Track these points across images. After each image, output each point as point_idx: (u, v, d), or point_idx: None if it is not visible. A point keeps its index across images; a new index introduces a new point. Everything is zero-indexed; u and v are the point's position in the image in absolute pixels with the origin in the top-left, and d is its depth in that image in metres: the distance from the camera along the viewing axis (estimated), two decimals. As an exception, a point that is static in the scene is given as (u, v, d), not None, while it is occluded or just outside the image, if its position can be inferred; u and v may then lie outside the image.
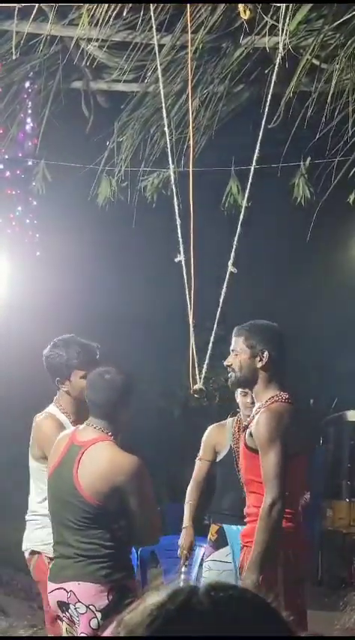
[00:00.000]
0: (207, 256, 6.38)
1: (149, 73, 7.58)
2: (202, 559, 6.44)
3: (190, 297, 5.87)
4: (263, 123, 5.99)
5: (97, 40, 7.41)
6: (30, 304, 9.98)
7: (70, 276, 12.88)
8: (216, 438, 6.07)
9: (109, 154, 8.44)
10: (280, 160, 8.11)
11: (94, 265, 14.19)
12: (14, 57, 7.01)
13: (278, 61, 6.16)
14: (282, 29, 6.14)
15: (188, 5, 6.54)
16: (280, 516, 4.35)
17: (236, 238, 6.00)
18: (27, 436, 5.06)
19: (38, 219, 9.94)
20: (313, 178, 8.22)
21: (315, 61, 7.09)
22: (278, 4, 6.26)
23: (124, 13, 6.86)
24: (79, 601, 4.19)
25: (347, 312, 14.41)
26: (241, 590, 1.11)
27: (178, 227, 5.93)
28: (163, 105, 6.34)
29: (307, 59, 6.92)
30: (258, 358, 4.60)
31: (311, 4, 6.52)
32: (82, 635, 4.19)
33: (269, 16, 6.47)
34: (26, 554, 4.95)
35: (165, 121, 6.34)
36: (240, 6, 6.15)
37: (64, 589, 4.25)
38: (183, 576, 6.24)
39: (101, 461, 4.22)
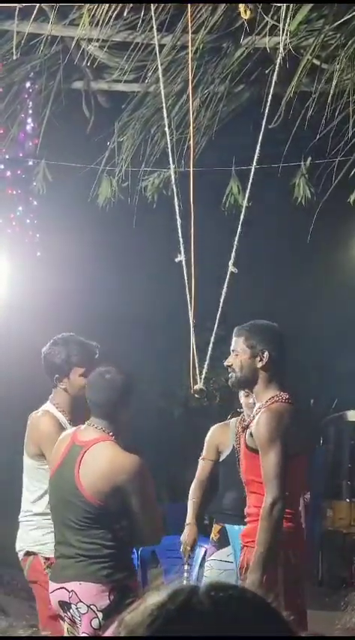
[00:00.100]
0: (208, 256, 6.37)
1: (150, 73, 7.59)
2: (204, 559, 6.45)
3: (191, 297, 5.87)
4: (263, 123, 5.99)
5: (98, 40, 7.42)
6: (30, 304, 9.98)
7: (70, 276, 12.87)
8: (219, 437, 6.08)
9: (110, 154, 8.45)
10: (281, 160, 8.12)
11: (95, 265, 14.19)
12: (15, 57, 7.02)
13: (278, 61, 6.16)
14: (283, 29, 6.14)
15: (189, 5, 6.54)
16: (281, 516, 4.36)
17: (236, 238, 6.00)
18: (26, 436, 5.05)
19: (39, 219, 9.95)
20: (313, 178, 8.22)
21: (316, 61, 7.09)
22: (279, 5, 6.26)
23: (125, 13, 6.86)
24: (81, 601, 4.20)
25: (348, 312, 14.40)
26: (241, 590, 1.11)
27: (179, 227, 5.93)
28: (164, 105, 6.34)
29: (308, 59, 6.92)
30: (258, 358, 4.60)
31: (311, 5, 6.52)
32: (84, 635, 4.20)
33: (269, 16, 6.47)
34: (20, 555, 4.95)
35: (166, 121, 6.35)
36: (241, 6, 6.15)
37: (66, 589, 4.25)
38: (185, 574, 6.26)
39: (102, 461, 4.23)
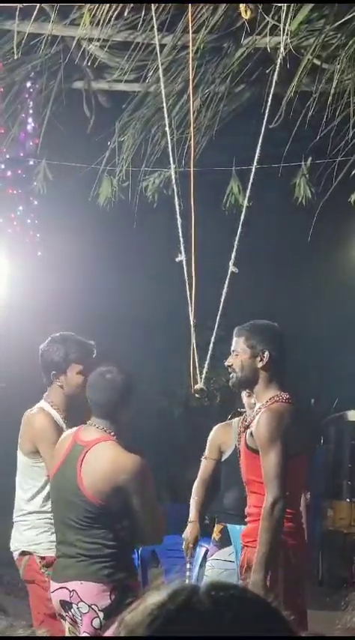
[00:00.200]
0: (208, 256, 6.37)
1: (150, 73, 7.59)
2: (204, 558, 6.45)
3: (191, 297, 5.87)
4: (264, 123, 5.99)
5: (99, 39, 7.42)
6: (31, 304, 9.98)
7: (71, 276, 12.89)
8: (221, 437, 6.09)
9: (110, 153, 8.45)
10: (281, 159, 8.12)
11: (95, 265, 14.20)
12: (16, 57, 7.02)
13: (279, 61, 6.16)
14: (283, 29, 6.14)
15: (189, 5, 6.54)
16: (282, 516, 4.36)
17: (237, 238, 5.99)
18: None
19: (39, 218, 9.95)
20: (314, 178, 8.22)
21: (316, 61, 7.09)
22: (280, 4, 6.26)
23: (125, 13, 6.86)
24: (82, 600, 4.20)
25: (348, 312, 14.41)
26: (242, 590, 1.11)
27: (179, 227, 5.93)
28: (164, 105, 6.34)
29: (308, 59, 6.92)
30: (259, 358, 4.60)
31: (312, 4, 6.52)
32: (85, 634, 4.20)
33: (270, 16, 6.47)
34: (15, 555, 4.94)
35: (167, 121, 6.35)
36: (241, 6, 6.15)
37: (67, 588, 4.25)
38: (188, 573, 6.27)
39: (104, 460, 4.23)
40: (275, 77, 6.13)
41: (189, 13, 6.50)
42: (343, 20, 6.58)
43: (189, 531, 6.15)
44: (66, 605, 4.27)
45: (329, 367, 16.76)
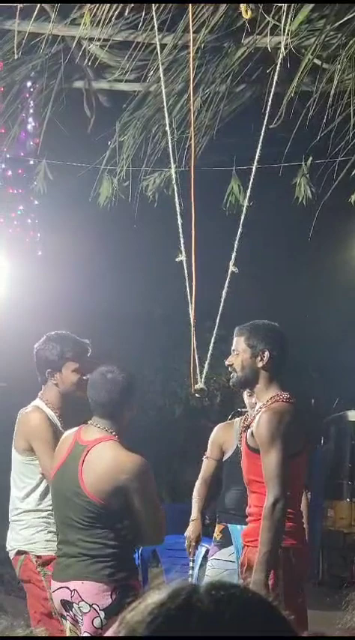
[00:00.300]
0: (209, 256, 6.37)
1: (151, 73, 7.59)
2: (204, 558, 6.46)
3: (191, 297, 5.87)
4: (264, 123, 5.99)
5: (99, 39, 7.41)
6: (31, 304, 9.98)
7: (71, 275, 12.89)
8: (223, 437, 6.11)
9: (111, 153, 8.44)
10: (282, 159, 8.12)
11: (95, 265, 14.20)
12: (16, 56, 7.02)
13: (279, 60, 6.16)
14: (284, 29, 6.14)
15: (190, 5, 6.53)
16: (283, 515, 4.36)
17: (237, 238, 5.99)
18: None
19: (39, 218, 9.96)
20: (314, 178, 8.22)
21: (317, 61, 7.08)
22: (280, 4, 6.26)
23: (126, 13, 6.86)
24: (83, 600, 4.20)
25: (348, 312, 14.41)
26: (242, 590, 1.11)
27: (179, 226, 5.93)
28: (165, 104, 6.34)
29: (308, 59, 6.92)
30: (259, 358, 4.60)
31: (312, 4, 6.52)
32: (86, 634, 4.20)
33: (270, 15, 6.47)
34: (12, 554, 4.95)
35: (167, 121, 6.35)
36: (242, 6, 6.15)
37: (68, 588, 4.25)
38: (190, 572, 6.28)
39: (105, 460, 4.23)
40: (275, 77, 6.13)
41: (190, 13, 6.49)
42: (343, 20, 6.58)
43: (192, 530, 6.16)
44: (67, 604, 4.27)
45: (329, 367, 16.77)
